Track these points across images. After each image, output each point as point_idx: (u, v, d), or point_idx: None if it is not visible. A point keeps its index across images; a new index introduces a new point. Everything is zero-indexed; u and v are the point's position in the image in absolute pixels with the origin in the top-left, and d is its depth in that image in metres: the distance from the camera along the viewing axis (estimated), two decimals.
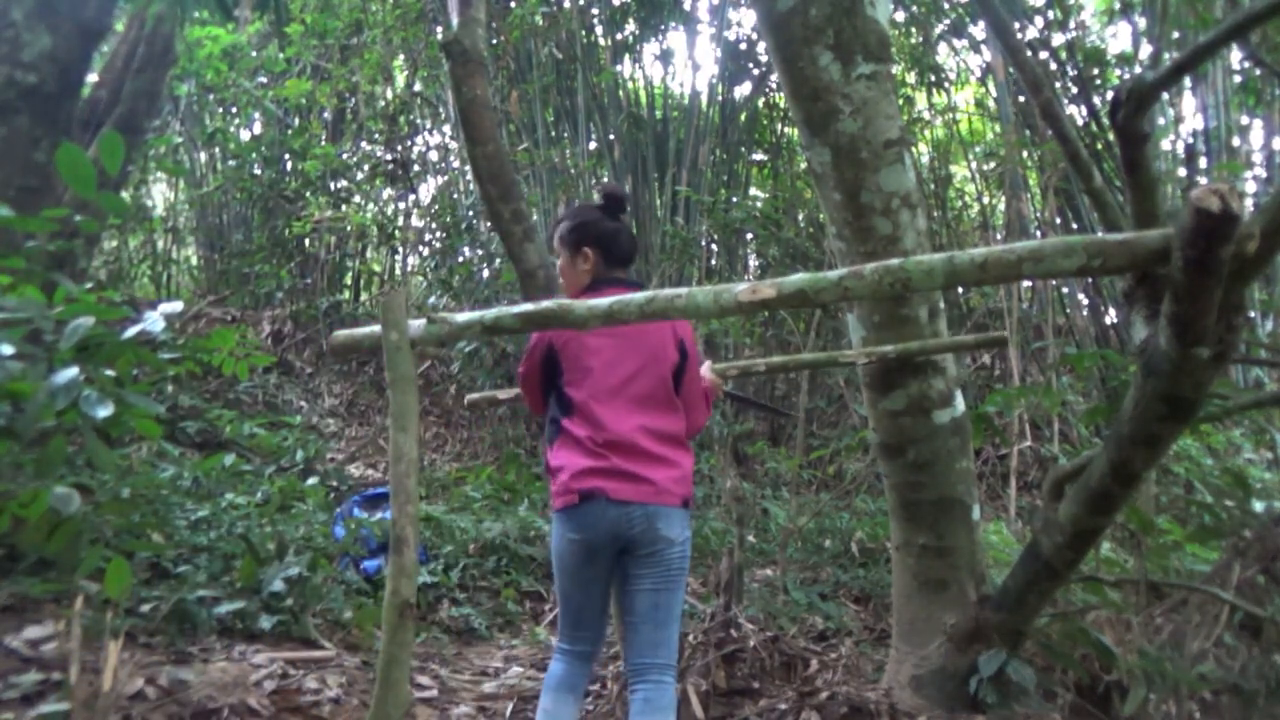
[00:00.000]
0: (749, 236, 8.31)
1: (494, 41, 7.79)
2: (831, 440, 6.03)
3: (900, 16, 8.39)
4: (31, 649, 2.69)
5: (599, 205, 2.43)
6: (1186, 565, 3.52)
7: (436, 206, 8.19)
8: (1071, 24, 8.03)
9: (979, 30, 8.29)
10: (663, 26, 9.01)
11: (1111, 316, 7.80)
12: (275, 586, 3.38)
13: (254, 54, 8.86)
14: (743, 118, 9.01)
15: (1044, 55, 7.70)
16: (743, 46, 8.80)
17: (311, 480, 5.08)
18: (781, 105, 9.24)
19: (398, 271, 9.53)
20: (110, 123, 4.98)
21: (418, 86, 9.12)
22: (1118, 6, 8.48)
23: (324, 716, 2.77)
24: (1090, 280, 7.50)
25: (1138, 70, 7.12)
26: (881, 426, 2.87)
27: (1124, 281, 2.09)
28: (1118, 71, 8.05)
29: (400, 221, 9.02)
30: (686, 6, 8.88)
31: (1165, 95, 6.46)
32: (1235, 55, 7.22)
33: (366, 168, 8.74)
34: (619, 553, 2.20)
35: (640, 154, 8.37)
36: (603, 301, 1.75)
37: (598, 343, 2.22)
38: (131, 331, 2.49)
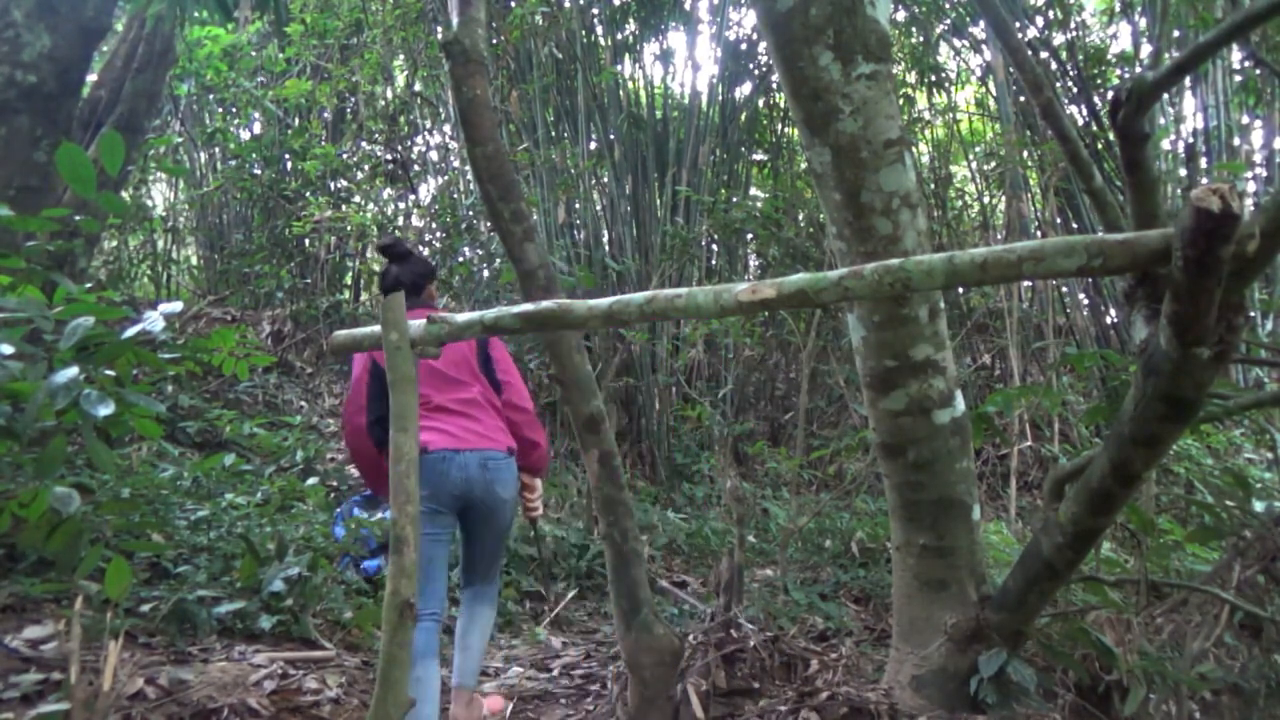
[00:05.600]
0: (749, 236, 8.30)
1: (494, 41, 7.78)
2: (831, 440, 6.03)
3: (900, 16, 8.40)
4: (31, 649, 2.70)
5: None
6: (1186, 565, 3.53)
7: (436, 206, 8.17)
8: (1071, 24, 8.04)
9: (979, 30, 8.30)
10: (663, 26, 9.01)
11: (1111, 316, 7.81)
12: (275, 586, 3.38)
13: (254, 54, 8.85)
14: (743, 118, 9.01)
15: (1044, 55, 7.70)
16: (743, 46, 8.80)
17: (311, 480, 5.07)
18: (781, 105, 9.25)
19: None
20: (110, 123, 4.97)
21: (418, 86, 9.11)
22: (1118, 7, 8.49)
23: (324, 716, 2.78)
24: (1090, 280, 7.50)
25: (1138, 70, 7.12)
26: (882, 426, 2.87)
27: (1124, 281, 2.09)
28: (1118, 71, 8.06)
29: (400, 221, 9.01)
30: (687, 6, 8.88)
31: (1165, 95, 6.46)
32: (1235, 55, 7.22)
33: (366, 168, 8.73)
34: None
35: (640, 154, 8.36)
36: (603, 302, 1.75)
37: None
38: (131, 331, 2.48)
